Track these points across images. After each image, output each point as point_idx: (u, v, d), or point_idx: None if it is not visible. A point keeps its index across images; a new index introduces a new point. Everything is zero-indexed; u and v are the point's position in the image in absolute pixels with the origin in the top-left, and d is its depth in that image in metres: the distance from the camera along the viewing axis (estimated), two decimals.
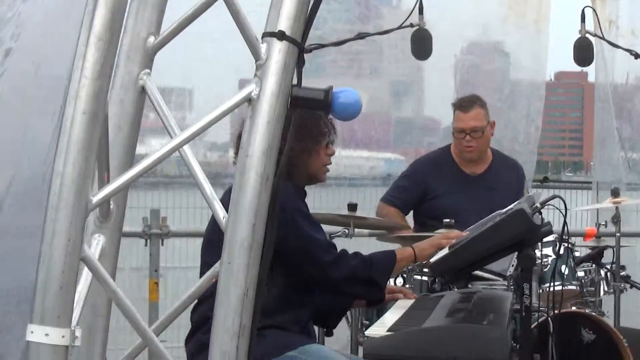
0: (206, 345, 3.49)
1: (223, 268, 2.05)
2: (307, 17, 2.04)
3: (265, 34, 2.05)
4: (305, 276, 3.53)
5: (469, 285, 4.34)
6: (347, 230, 5.07)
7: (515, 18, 7.07)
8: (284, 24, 2.04)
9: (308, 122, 3.73)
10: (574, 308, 4.82)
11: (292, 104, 2.04)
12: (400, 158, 7.47)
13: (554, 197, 3.91)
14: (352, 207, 5.12)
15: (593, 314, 4.78)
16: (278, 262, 3.50)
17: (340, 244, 4.75)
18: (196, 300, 3.61)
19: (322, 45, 4.99)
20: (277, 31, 2.03)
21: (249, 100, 2.03)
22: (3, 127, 3.99)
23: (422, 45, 5.27)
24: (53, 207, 1.90)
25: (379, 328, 3.15)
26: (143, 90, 2.13)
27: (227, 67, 6.11)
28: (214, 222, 3.62)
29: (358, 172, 7.39)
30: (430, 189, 5.54)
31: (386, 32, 5.22)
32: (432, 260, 3.26)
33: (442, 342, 3.01)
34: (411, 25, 5.24)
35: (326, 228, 5.24)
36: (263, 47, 2.03)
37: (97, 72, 1.91)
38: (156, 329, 2.14)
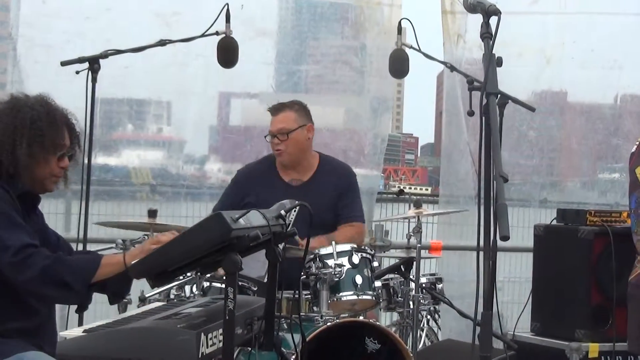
0: None
1: None
2: None
3: None
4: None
5: None
6: (146, 237, 5.07)
7: None
8: None
9: (45, 131, 3.67)
10: (361, 317, 4.83)
11: None
12: None
13: (300, 204, 3.93)
14: (152, 213, 5.12)
15: (378, 323, 4.79)
16: None
17: None
18: None
19: (120, 51, 5.02)
20: None
21: None
22: None
23: (228, 53, 5.27)
24: None
25: (77, 330, 3.14)
26: None
27: None
28: None
29: None
30: (251, 198, 5.44)
31: (190, 39, 5.22)
32: (132, 262, 3.24)
33: (129, 343, 3.02)
34: (217, 34, 5.24)
35: (128, 234, 5.26)
36: None
37: None
38: None
